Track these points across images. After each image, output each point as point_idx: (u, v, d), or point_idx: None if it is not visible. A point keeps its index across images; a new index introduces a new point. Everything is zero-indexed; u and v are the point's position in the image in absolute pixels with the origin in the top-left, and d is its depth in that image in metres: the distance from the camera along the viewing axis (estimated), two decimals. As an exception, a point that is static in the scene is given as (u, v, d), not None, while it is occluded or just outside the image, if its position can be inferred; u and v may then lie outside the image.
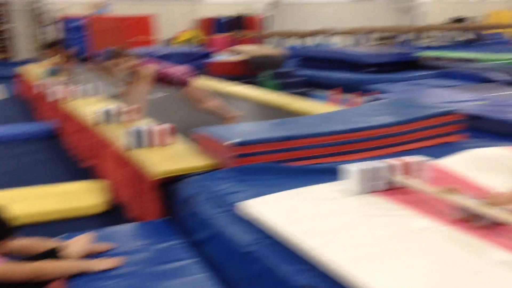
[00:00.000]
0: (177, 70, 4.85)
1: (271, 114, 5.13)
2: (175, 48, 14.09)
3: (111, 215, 3.74)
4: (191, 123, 4.56)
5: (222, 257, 2.37)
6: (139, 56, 5.00)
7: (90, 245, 2.48)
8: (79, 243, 2.45)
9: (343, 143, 3.21)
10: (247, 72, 10.46)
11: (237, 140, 3.02)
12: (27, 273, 2.17)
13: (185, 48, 13.87)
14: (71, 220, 3.58)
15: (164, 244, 2.61)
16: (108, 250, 2.51)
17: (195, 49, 13.83)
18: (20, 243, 2.40)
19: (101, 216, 3.71)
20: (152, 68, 4.67)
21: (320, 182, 2.63)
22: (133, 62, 4.69)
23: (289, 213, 2.20)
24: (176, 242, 2.63)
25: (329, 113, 4.00)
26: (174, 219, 3.07)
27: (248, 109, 5.67)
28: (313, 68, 10.05)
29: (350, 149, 3.19)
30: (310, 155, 3.20)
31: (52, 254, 2.35)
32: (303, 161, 3.11)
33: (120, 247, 2.56)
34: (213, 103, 4.89)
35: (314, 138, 3.19)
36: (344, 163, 2.64)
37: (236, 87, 7.16)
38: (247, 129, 3.34)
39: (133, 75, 4.71)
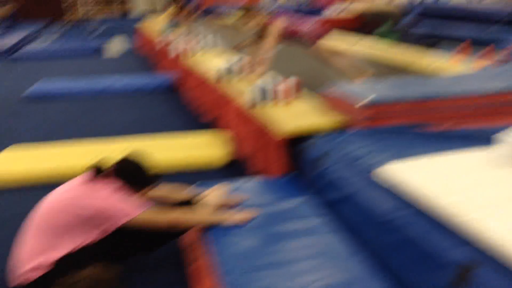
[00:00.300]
0: (306, 26, 4.74)
1: (399, 72, 4.85)
2: (283, 5, 13.85)
3: (233, 168, 3.80)
4: (317, 79, 4.46)
5: (356, 221, 2.28)
6: (268, 12, 4.95)
7: (225, 197, 2.52)
8: (215, 194, 2.50)
9: (491, 106, 2.90)
10: (361, 28, 10.04)
11: (370, 99, 2.86)
12: (168, 222, 2.25)
13: (293, 5, 13.58)
14: (196, 170, 3.71)
15: (293, 201, 2.58)
16: (240, 203, 2.55)
17: (303, 5, 13.50)
18: (160, 190, 2.51)
19: (224, 168, 3.80)
20: (281, 24, 4.61)
21: (465, 149, 2.41)
22: (262, 18, 4.68)
23: (436, 182, 2.03)
24: (305, 200, 2.59)
25: (470, 73, 3.65)
26: (300, 176, 3.04)
27: (376, 67, 5.40)
28: (432, 24, 9.33)
29: (499, 112, 2.88)
30: (452, 117, 2.95)
31: (190, 203, 2.42)
32: (443, 125, 2.87)
33: (250, 201, 2.58)
34: (342, 60, 4.75)
35: (458, 98, 2.92)
36: (493, 129, 2.39)
37: (360, 44, 6.86)
38: (380, 88, 3.15)
39: (261, 31, 4.69)
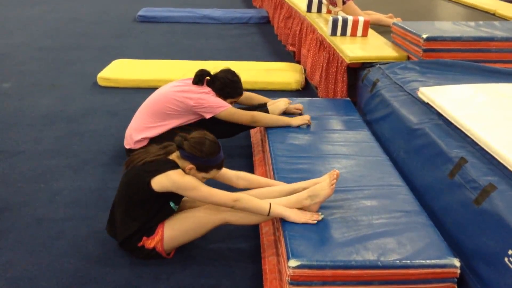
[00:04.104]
0: None
1: (472, 16, 4.97)
2: None
3: (304, 93, 4.34)
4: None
5: (392, 132, 2.75)
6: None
7: (288, 106, 3.09)
8: (280, 103, 3.07)
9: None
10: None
11: (427, 35, 3.21)
12: (248, 117, 2.90)
13: None
14: (272, 91, 4.28)
15: (345, 117, 3.09)
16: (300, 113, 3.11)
17: None
18: (243, 96, 3.12)
19: (296, 92, 4.34)
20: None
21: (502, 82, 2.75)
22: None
23: (461, 101, 2.44)
24: (356, 118, 3.09)
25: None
26: (357, 99, 3.51)
27: (450, 9, 5.53)
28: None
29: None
30: (503, 59, 3.24)
31: (263, 107, 3.04)
32: (495, 64, 3.17)
33: (310, 114, 3.13)
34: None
35: (510, 41, 3.19)
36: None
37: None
38: (441, 27, 3.46)
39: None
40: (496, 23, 3.72)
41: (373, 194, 2.20)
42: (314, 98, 3.50)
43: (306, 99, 3.41)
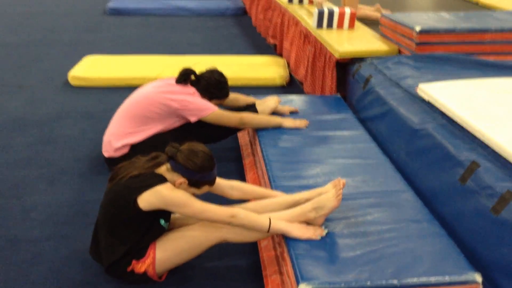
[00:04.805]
0: None
1: (462, 7, 4.87)
2: None
3: (290, 88, 4.17)
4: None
5: (391, 131, 2.61)
6: None
7: (278, 106, 2.91)
8: (270, 102, 2.89)
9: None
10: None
11: (420, 27, 3.07)
12: (236, 119, 2.70)
13: None
14: (255, 87, 4.09)
15: (338, 116, 2.93)
16: (291, 113, 2.93)
17: None
18: (229, 97, 2.92)
19: (281, 87, 4.16)
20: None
21: (501, 77, 2.63)
22: None
23: (465, 99, 2.30)
24: (349, 116, 2.93)
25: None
26: (348, 96, 3.36)
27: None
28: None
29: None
30: (497, 51, 3.13)
31: (251, 107, 2.84)
32: (489, 56, 3.06)
33: (300, 112, 2.96)
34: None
35: (504, 33, 3.08)
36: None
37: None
38: (432, 18, 3.33)
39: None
40: (487, 13, 3.61)
41: (378, 202, 2.05)
42: (302, 95, 3.33)
43: (294, 96, 3.23)
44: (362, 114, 3.01)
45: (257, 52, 5.19)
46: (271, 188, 2.18)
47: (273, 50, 5.27)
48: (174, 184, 1.82)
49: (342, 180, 1.92)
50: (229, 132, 2.88)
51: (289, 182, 2.20)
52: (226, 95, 2.84)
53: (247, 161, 2.86)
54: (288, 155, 2.45)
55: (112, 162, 2.67)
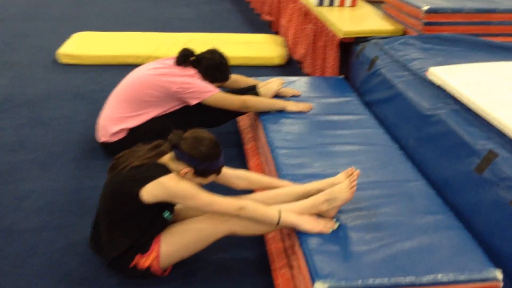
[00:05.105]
0: None
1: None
2: None
3: (289, 67, 4.04)
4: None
5: (399, 116, 2.52)
6: None
7: (281, 88, 2.79)
8: (273, 84, 2.77)
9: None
10: None
11: (428, 6, 2.95)
12: (238, 102, 2.59)
13: None
14: (253, 67, 3.96)
15: (342, 99, 2.83)
16: (293, 96, 2.82)
17: None
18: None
19: (280, 67, 4.04)
20: None
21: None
22: None
23: (480, 84, 2.22)
24: (354, 99, 2.84)
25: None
26: (350, 77, 3.25)
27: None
28: None
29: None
30: (505, 32, 3.04)
31: (252, 89, 2.73)
32: (497, 38, 2.97)
33: (303, 95, 2.85)
34: None
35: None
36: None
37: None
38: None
39: None
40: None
41: (390, 192, 1.97)
42: (304, 77, 3.22)
43: (295, 78, 3.12)
44: (367, 97, 2.92)
45: (252, 29, 5.04)
46: (278, 177, 2.08)
47: (268, 27, 5.12)
48: (178, 174, 1.72)
49: (357, 171, 1.84)
50: (230, 115, 2.77)
51: (297, 170, 2.10)
52: (228, 77, 2.71)
53: (248, 146, 2.76)
54: (294, 141, 2.35)
55: (109, 147, 2.55)
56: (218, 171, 1.81)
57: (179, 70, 2.56)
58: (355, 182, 1.79)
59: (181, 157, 1.73)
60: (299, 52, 3.99)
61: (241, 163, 2.62)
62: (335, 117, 2.60)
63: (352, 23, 3.31)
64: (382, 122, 2.63)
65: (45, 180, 2.44)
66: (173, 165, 1.74)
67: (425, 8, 2.94)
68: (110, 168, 1.80)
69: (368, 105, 2.83)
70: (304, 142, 2.35)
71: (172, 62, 2.60)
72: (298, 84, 3.02)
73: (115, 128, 2.52)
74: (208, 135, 1.77)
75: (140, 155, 1.76)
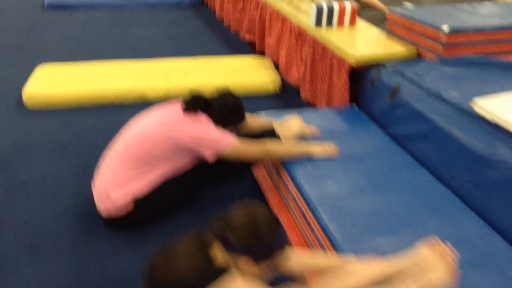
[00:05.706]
0: None
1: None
2: None
3: (284, 95, 3.71)
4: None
5: (444, 156, 2.24)
6: None
7: (302, 128, 2.46)
8: (293, 125, 2.43)
9: None
10: None
11: (449, 27, 2.70)
12: (261, 153, 2.22)
13: None
14: (244, 96, 3.60)
15: (367, 137, 2.53)
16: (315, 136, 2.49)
17: None
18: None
19: (273, 95, 3.70)
20: None
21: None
22: None
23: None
24: (380, 135, 2.55)
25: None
26: (364, 106, 2.96)
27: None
28: None
29: None
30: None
31: (271, 133, 2.37)
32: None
33: (324, 133, 2.53)
34: None
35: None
36: None
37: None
38: (451, 14, 2.98)
39: None
40: (507, 4, 3.31)
41: (470, 257, 1.68)
42: (313, 109, 2.90)
43: (304, 111, 2.78)
44: (391, 130, 2.63)
45: (231, 50, 4.68)
46: (335, 251, 1.74)
47: (248, 47, 4.77)
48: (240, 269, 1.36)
49: (442, 244, 1.52)
50: (244, 167, 2.40)
51: (355, 245, 1.76)
52: (243, 118, 2.35)
53: (270, 196, 2.40)
54: (337, 202, 2.00)
55: (114, 223, 2.14)
56: (283, 247, 1.45)
57: (189, 118, 2.17)
58: (451, 260, 1.48)
59: (233, 249, 1.37)
60: (294, 76, 3.67)
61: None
62: (369, 162, 2.29)
63: (361, 47, 3.01)
64: (421, 162, 2.34)
65: (37, 271, 1.97)
66: (225, 257, 1.38)
67: (446, 29, 2.69)
68: (144, 279, 1.40)
69: (395, 139, 2.55)
70: (348, 201, 2.00)
71: (179, 107, 2.21)
72: (310, 118, 2.68)
73: (119, 192, 2.10)
74: (258, 209, 1.42)
75: (182, 255, 1.38)
